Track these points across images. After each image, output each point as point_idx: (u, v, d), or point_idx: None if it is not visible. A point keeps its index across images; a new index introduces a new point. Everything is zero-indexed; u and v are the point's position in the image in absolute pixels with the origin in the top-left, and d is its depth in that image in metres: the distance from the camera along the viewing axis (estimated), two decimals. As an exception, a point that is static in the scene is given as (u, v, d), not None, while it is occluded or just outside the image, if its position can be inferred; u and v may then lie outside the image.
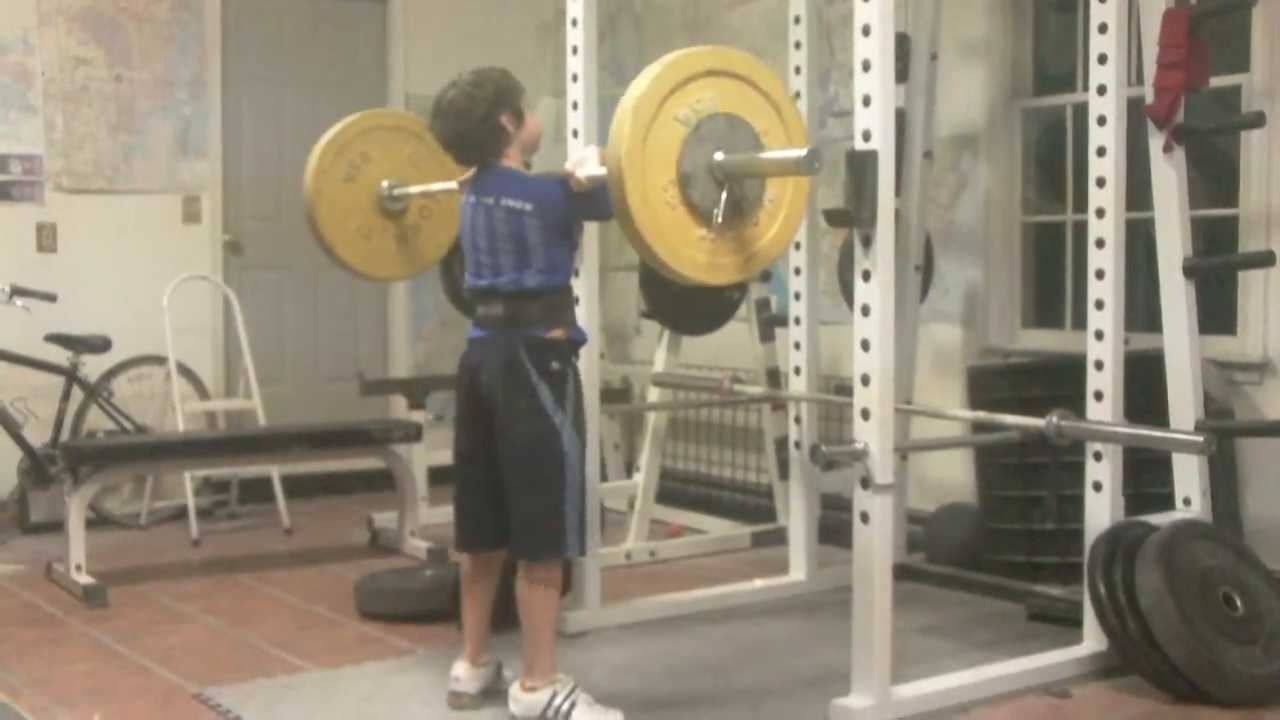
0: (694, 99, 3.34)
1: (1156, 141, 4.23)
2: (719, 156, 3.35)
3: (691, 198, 3.33)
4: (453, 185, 4.20)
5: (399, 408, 6.62)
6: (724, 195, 3.34)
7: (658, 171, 3.28)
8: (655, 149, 3.27)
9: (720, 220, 3.34)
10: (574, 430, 3.63)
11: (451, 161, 3.83)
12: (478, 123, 3.63)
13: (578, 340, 3.73)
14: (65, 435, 6.01)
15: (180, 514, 6.16)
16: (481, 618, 3.84)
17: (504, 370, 3.59)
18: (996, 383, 5.11)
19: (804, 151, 3.31)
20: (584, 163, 3.55)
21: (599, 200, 3.45)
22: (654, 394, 5.91)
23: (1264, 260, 4.44)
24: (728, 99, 3.39)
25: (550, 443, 3.58)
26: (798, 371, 4.93)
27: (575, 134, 4.43)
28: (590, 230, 4.45)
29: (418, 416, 6.03)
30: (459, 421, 3.80)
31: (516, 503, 3.62)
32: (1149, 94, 4.23)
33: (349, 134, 4.65)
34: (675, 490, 6.46)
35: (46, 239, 6.40)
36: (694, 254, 3.36)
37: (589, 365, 4.48)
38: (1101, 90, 4.07)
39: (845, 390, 4.01)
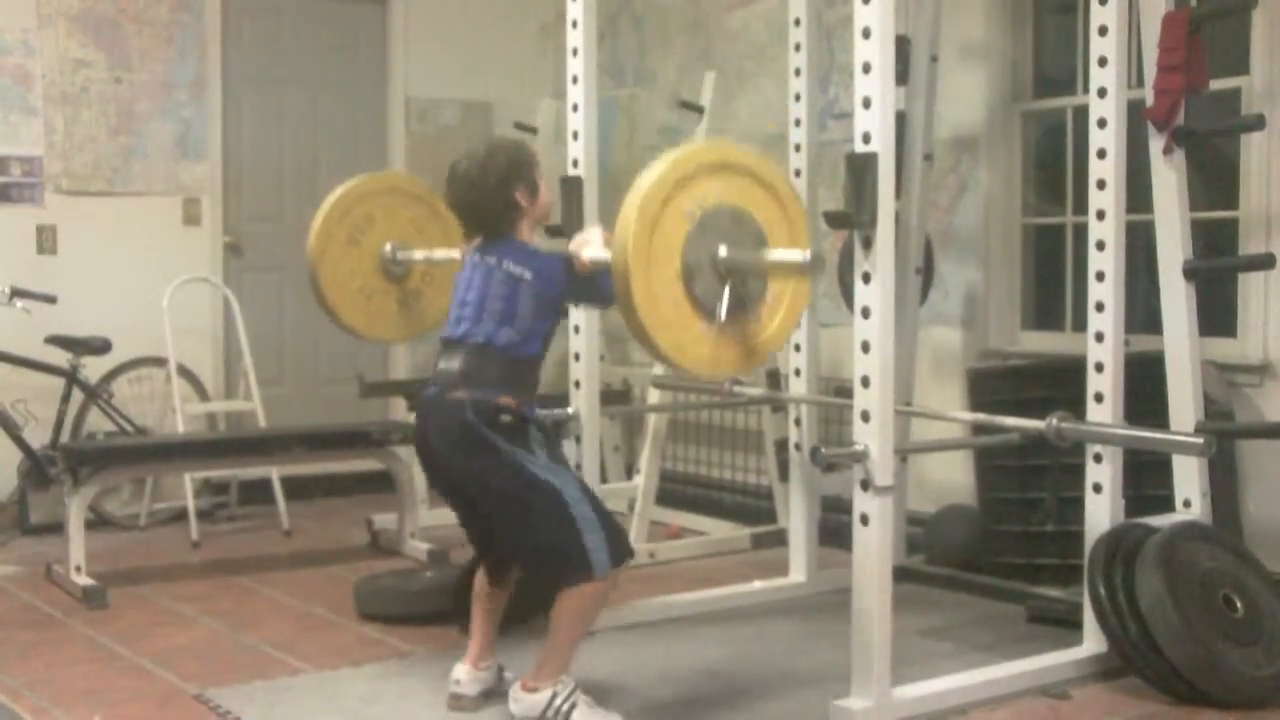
0: (699, 193, 3.32)
1: (1156, 144, 4.23)
2: (723, 251, 3.33)
3: (695, 292, 3.31)
4: (455, 254, 4.20)
5: (399, 409, 6.62)
6: (727, 290, 3.33)
7: (662, 266, 3.26)
8: (660, 243, 3.25)
9: (724, 317, 3.34)
10: (554, 465, 3.56)
11: (454, 224, 3.82)
12: (490, 194, 3.62)
13: (528, 417, 3.57)
14: (65, 437, 6.01)
15: (180, 515, 6.16)
16: (491, 624, 3.84)
17: (456, 438, 3.52)
18: (996, 385, 5.11)
19: (807, 255, 3.30)
20: (588, 244, 3.57)
21: (600, 285, 3.44)
22: (654, 396, 5.92)
23: (1264, 263, 4.45)
24: (732, 192, 3.38)
25: (533, 488, 3.50)
26: (798, 373, 4.93)
27: (575, 136, 4.43)
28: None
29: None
30: (431, 483, 3.80)
31: (526, 547, 3.58)
32: (1149, 96, 4.23)
33: (353, 196, 4.66)
34: (675, 492, 6.46)
35: (46, 241, 6.40)
36: (697, 348, 3.35)
37: (589, 367, 4.51)
38: (1102, 93, 4.07)
39: (845, 392, 4.00)
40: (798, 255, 3.33)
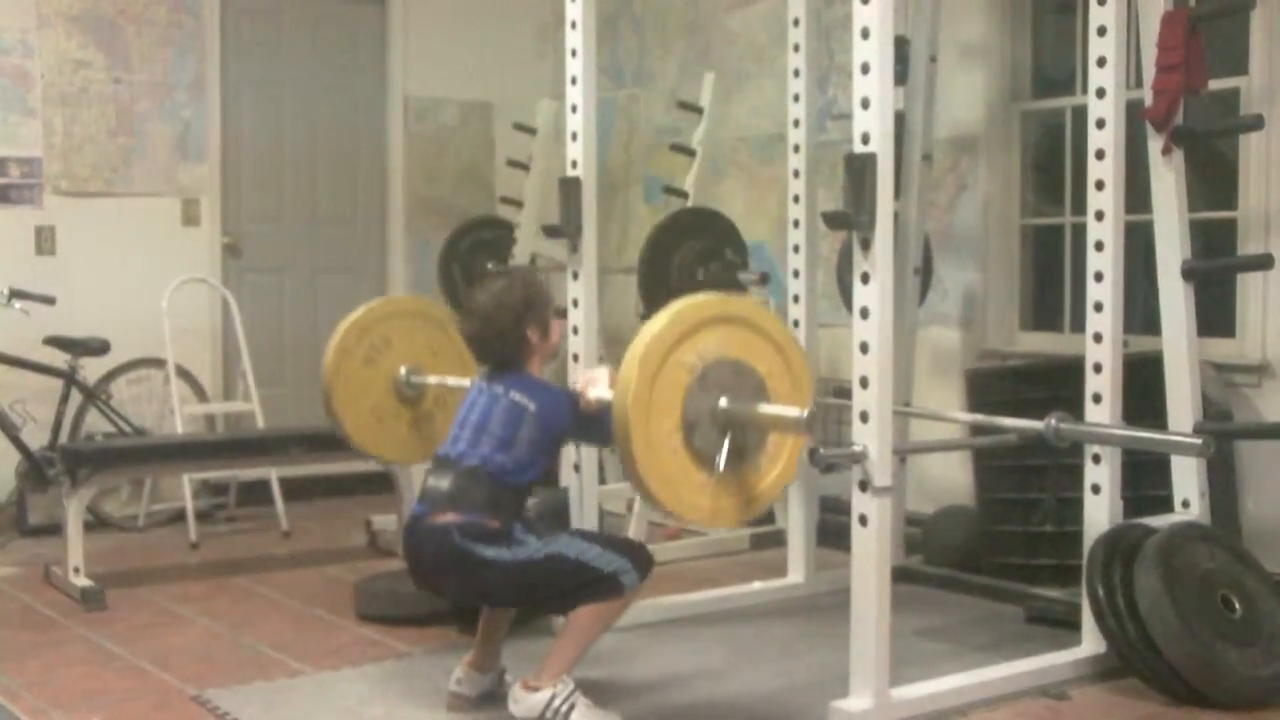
0: (701, 345, 3.34)
1: (1155, 144, 4.23)
2: (723, 402, 3.34)
3: (694, 444, 3.32)
4: (468, 382, 4.23)
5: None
6: (726, 442, 3.34)
7: (662, 418, 3.27)
8: (661, 395, 3.26)
9: (723, 467, 3.34)
10: (547, 539, 3.58)
11: (469, 352, 3.89)
12: (503, 330, 3.70)
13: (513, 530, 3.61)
14: (64, 438, 6.01)
15: (179, 516, 6.16)
16: (499, 631, 3.84)
17: (446, 564, 3.57)
18: (995, 385, 5.11)
19: (804, 413, 3.30)
20: (594, 383, 3.61)
21: (604, 425, 3.44)
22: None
23: (1262, 263, 4.45)
24: (733, 344, 3.39)
25: (540, 567, 3.53)
26: (796, 374, 4.93)
27: (574, 137, 4.43)
28: (590, 230, 4.46)
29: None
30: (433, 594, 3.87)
31: (553, 605, 3.62)
32: (1148, 97, 4.23)
33: (372, 317, 4.71)
34: (674, 493, 6.44)
35: (45, 242, 6.40)
36: (696, 499, 3.35)
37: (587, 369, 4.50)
38: (1100, 93, 4.07)
39: (844, 393, 4.01)
40: (794, 413, 3.32)
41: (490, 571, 3.53)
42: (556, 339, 3.84)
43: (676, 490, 3.32)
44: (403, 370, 4.67)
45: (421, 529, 3.62)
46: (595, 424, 3.50)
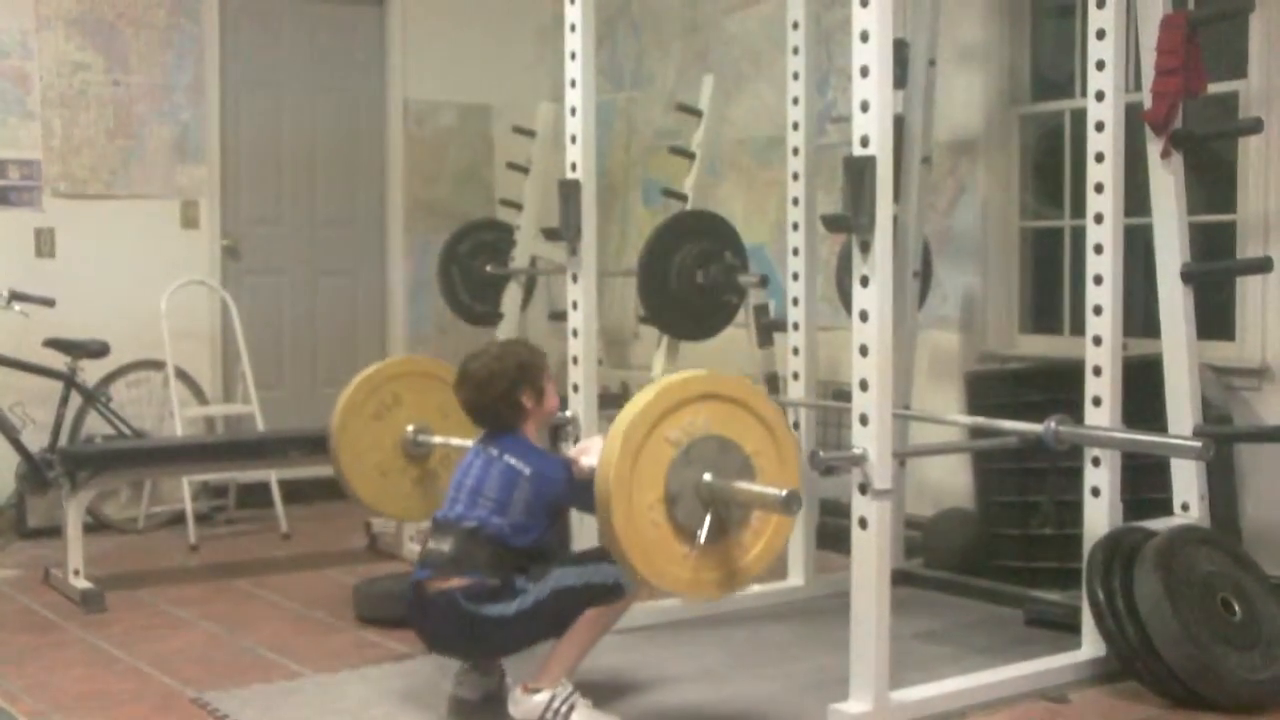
0: (687, 420, 3.35)
1: (1154, 147, 4.23)
2: (707, 477, 3.35)
3: (677, 517, 3.33)
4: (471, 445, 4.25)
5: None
6: (709, 517, 3.35)
7: (645, 490, 3.29)
8: (644, 469, 3.28)
9: (703, 540, 3.35)
10: (541, 581, 3.59)
11: None
12: (498, 397, 3.74)
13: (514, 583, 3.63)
14: (63, 440, 6.01)
15: (178, 519, 6.16)
16: None
17: (453, 629, 3.62)
18: (995, 388, 5.11)
19: (784, 492, 3.30)
20: (588, 452, 3.61)
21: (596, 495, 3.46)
22: (652, 399, 5.90)
23: (1262, 266, 4.45)
24: (720, 421, 3.39)
25: (545, 608, 3.57)
26: (796, 377, 4.93)
27: (574, 139, 4.43)
28: (589, 233, 4.46)
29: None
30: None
31: (562, 628, 3.63)
32: (1147, 100, 4.23)
33: (385, 374, 4.71)
34: (673, 495, 6.44)
35: (45, 244, 6.40)
36: (677, 571, 3.36)
37: (587, 370, 4.50)
38: (1099, 96, 4.07)
39: (844, 395, 4.00)
40: (774, 492, 3.32)
41: (500, 629, 3.58)
42: (553, 405, 3.87)
43: (656, 562, 3.32)
44: (410, 429, 4.68)
45: (426, 597, 3.65)
46: (589, 492, 3.48)
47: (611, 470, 3.25)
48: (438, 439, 4.67)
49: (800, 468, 3.58)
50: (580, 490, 3.56)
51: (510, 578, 3.60)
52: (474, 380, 3.78)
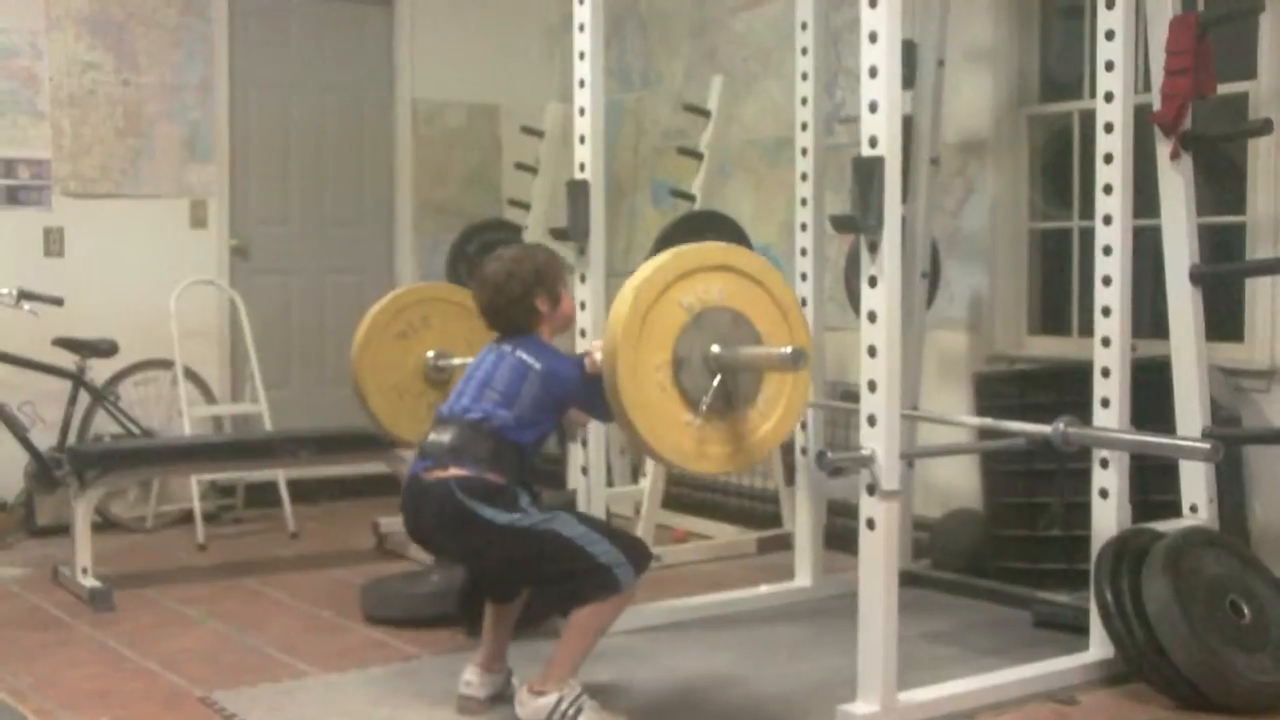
0: (702, 288, 3.36)
1: (1164, 148, 4.22)
2: (715, 349, 3.37)
3: (683, 382, 3.35)
4: None
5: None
6: (715, 383, 3.37)
7: (652, 350, 3.30)
8: (654, 329, 3.30)
9: (705, 408, 3.36)
10: (549, 515, 3.59)
11: None
12: (514, 300, 3.74)
13: (513, 492, 3.62)
14: (72, 439, 6.02)
15: (186, 518, 6.18)
16: (505, 629, 3.85)
17: (446, 521, 3.58)
18: (1003, 389, 5.11)
19: (789, 349, 3.34)
20: (602, 348, 3.59)
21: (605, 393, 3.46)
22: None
23: (1272, 267, 4.44)
24: (735, 295, 3.41)
25: (538, 540, 3.54)
26: (804, 377, 4.93)
27: (582, 139, 4.43)
28: (597, 233, 4.46)
29: (424, 421, 6.04)
30: (429, 553, 3.86)
31: (545, 587, 3.62)
32: (1156, 101, 4.22)
33: (417, 295, 4.80)
34: (681, 496, 6.45)
35: (54, 243, 6.41)
36: (680, 439, 3.37)
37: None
38: (1109, 97, 4.06)
39: (852, 396, 4.00)
40: (779, 351, 3.36)
41: (487, 532, 3.53)
42: (568, 309, 3.88)
43: (659, 427, 3.32)
44: (431, 354, 4.67)
45: (422, 485, 3.62)
46: (599, 388, 3.49)
47: (621, 324, 3.25)
48: (458, 360, 4.67)
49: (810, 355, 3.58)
50: (593, 388, 3.54)
51: (513, 484, 3.58)
52: (491, 282, 3.76)
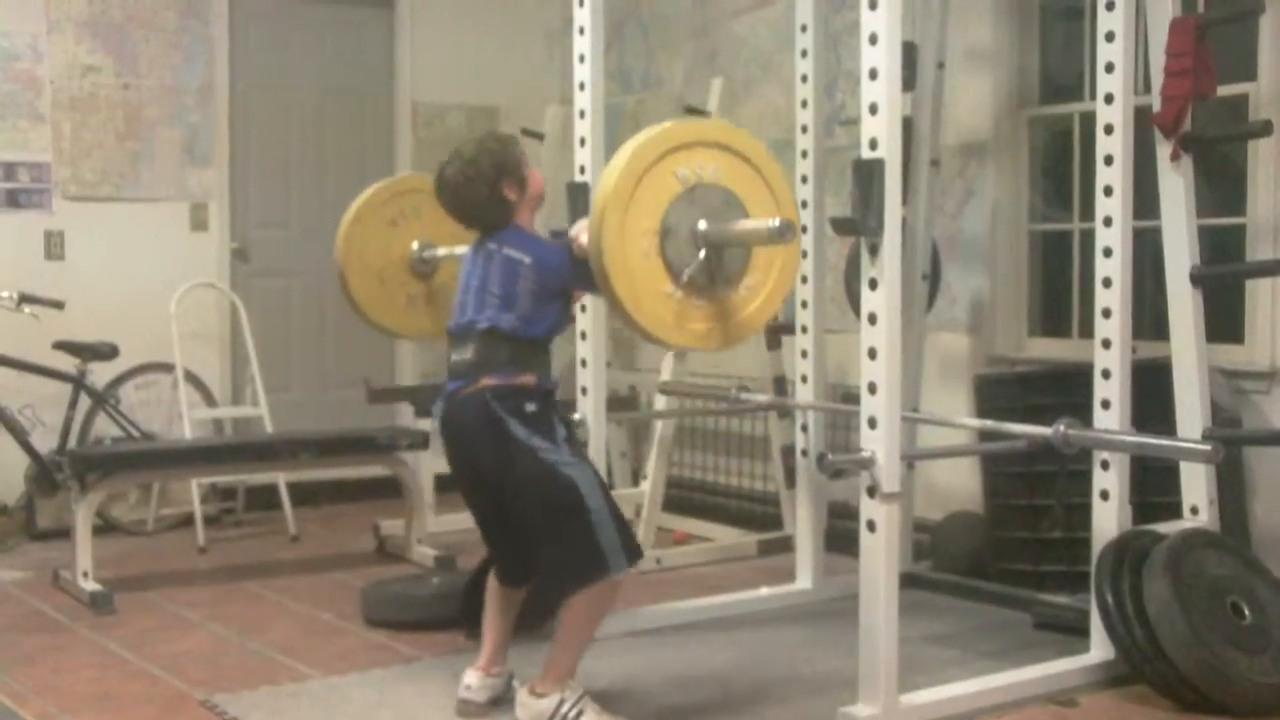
0: (698, 163, 3.36)
1: (1164, 150, 4.23)
2: (703, 225, 3.37)
3: (667, 252, 3.35)
4: None
5: (406, 415, 6.63)
6: (700, 255, 3.37)
7: (641, 215, 3.30)
8: (645, 194, 3.29)
9: (687, 280, 3.35)
10: (576, 460, 3.61)
11: None
12: (482, 198, 3.72)
13: (546, 387, 3.66)
14: (73, 442, 6.02)
15: (187, 521, 6.17)
16: (503, 629, 3.85)
17: (482, 430, 3.59)
18: (1003, 391, 5.10)
19: (776, 222, 3.33)
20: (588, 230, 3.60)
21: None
22: (661, 402, 5.92)
23: (1272, 269, 4.44)
24: (731, 176, 3.40)
25: (556, 482, 3.55)
26: (805, 379, 4.93)
27: (582, 142, 4.43)
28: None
29: (424, 424, 6.01)
30: (456, 479, 3.82)
31: (545, 547, 3.60)
32: (1156, 102, 4.22)
33: (411, 184, 4.72)
34: (682, 498, 6.46)
35: (54, 246, 6.41)
36: (660, 310, 3.36)
37: (595, 373, 4.51)
38: (1109, 99, 4.07)
39: (852, 398, 4.01)
40: (767, 223, 3.36)
41: (510, 448, 3.55)
42: (538, 184, 3.81)
43: (640, 294, 3.32)
44: (415, 245, 4.65)
45: (458, 400, 3.63)
46: (588, 268, 3.48)
47: (612, 182, 3.23)
48: (442, 250, 4.66)
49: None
50: (583, 269, 3.53)
51: (543, 381, 3.60)
52: (451, 188, 3.74)
